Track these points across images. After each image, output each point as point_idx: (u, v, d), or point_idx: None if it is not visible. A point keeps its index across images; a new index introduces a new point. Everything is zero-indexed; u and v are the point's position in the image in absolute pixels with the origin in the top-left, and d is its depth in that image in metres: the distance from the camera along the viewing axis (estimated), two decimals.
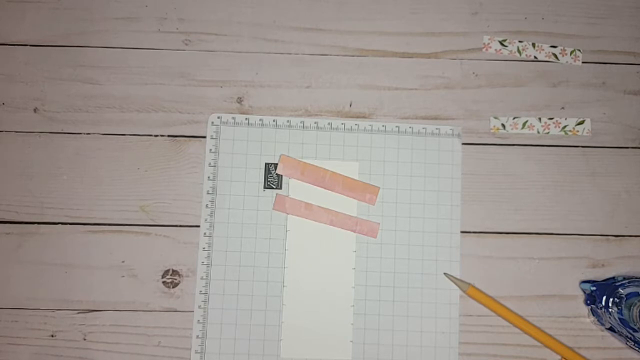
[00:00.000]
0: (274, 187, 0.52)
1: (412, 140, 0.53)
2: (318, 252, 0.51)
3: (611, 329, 0.49)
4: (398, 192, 0.52)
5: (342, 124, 0.53)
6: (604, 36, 0.55)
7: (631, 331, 0.46)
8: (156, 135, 0.52)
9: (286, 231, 0.51)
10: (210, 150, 0.52)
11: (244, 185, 0.51)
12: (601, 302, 0.48)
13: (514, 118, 0.53)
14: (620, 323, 0.47)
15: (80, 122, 0.52)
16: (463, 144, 0.53)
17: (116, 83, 0.52)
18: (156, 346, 0.49)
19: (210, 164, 0.51)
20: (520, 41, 0.54)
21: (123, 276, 0.50)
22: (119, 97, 0.52)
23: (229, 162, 0.52)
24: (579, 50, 0.54)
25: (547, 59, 0.54)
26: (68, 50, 0.53)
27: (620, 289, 0.47)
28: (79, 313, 0.50)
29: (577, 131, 0.53)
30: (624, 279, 0.49)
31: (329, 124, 0.53)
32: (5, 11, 0.53)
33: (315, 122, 0.53)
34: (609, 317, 0.47)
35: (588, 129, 0.53)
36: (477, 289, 0.50)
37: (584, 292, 0.50)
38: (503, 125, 0.53)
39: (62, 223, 0.51)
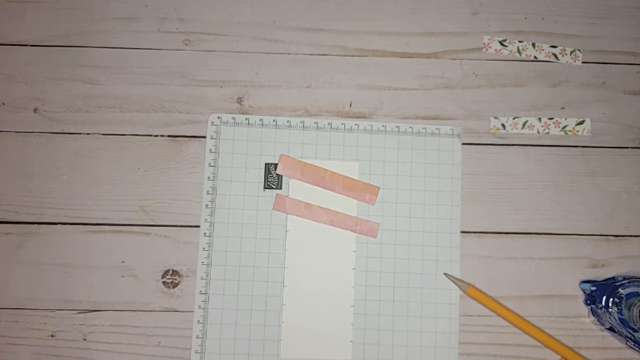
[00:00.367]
0: (274, 187, 0.52)
1: (412, 140, 0.53)
2: (318, 252, 0.51)
3: (611, 329, 0.49)
4: (398, 192, 0.52)
5: (342, 124, 0.53)
6: (604, 36, 0.55)
7: (631, 331, 0.46)
8: (156, 135, 0.52)
9: (286, 231, 0.51)
10: (210, 150, 0.52)
11: (244, 185, 0.51)
12: (601, 302, 0.48)
13: (514, 118, 0.53)
14: (620, 323, 0.47)
15: (80, 122, 0.52)
16: (463, 144, 0.53)
17: (116, 83, 0.52)
18: (156, 346, 0.49)
19: (210, 164, 0.51)
20: (520, 41, 0.54)
21: (123, 276, 0.50)
22: (119, 97, 0.52)
23: (229, 162, 0.52)
24: (579, 50, 0.54)
25: (547, 59, 0.54)
26: (68, 50, 0.53)
27: (620, 289, 0.47)
28: (79, 313, 0.50)
29: (577, 131, 0.53)
30: (624, 279, 0.49)
31: (329, 124, 0.53)
32: (5, 11, 0.53)
33: (315, 122, 0.53)
34: (609, 317, 0.47)
35: (588, 129, 0.53)
36: (477, 289, 0.50)
37: (584, 292, 0.50)
38: (503, 125, 0.53)
39: (62, 223, 0.51)
